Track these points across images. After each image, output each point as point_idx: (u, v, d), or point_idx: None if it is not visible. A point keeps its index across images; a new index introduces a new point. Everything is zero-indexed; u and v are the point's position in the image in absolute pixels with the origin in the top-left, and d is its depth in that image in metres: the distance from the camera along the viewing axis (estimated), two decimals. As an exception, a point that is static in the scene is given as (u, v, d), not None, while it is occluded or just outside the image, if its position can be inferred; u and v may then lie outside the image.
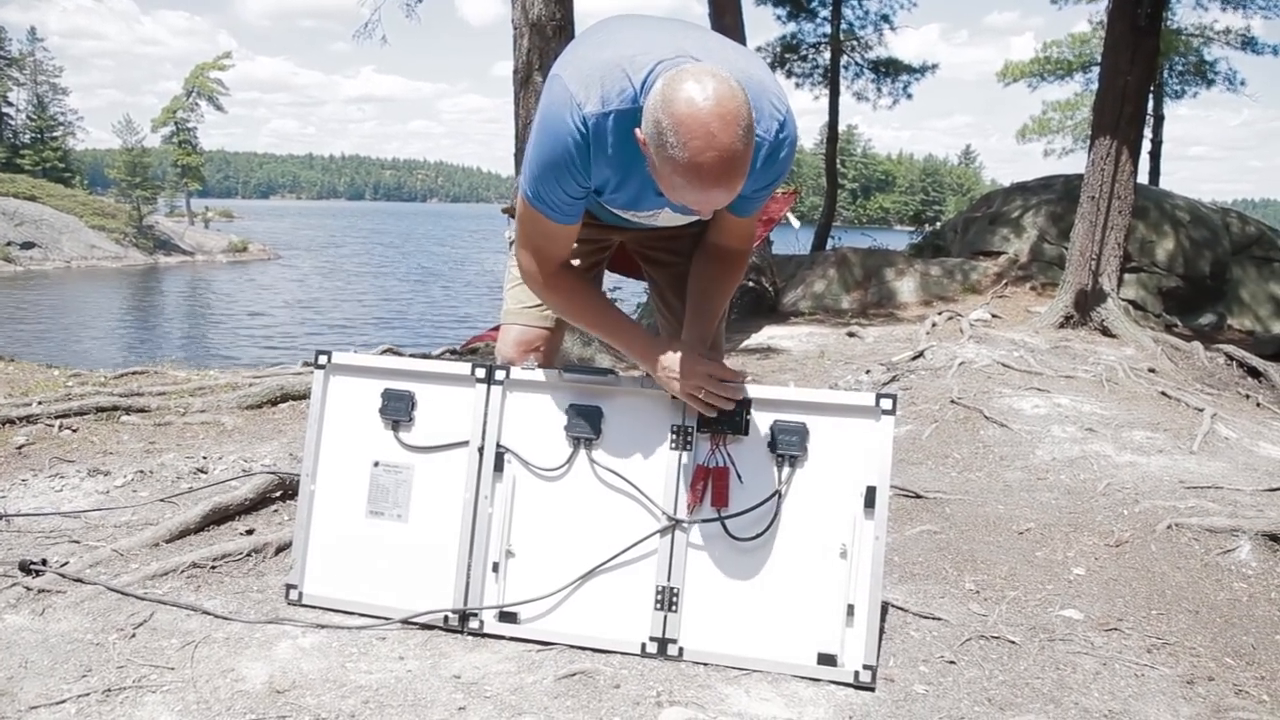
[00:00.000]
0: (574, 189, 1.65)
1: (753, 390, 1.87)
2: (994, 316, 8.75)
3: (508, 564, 1.95)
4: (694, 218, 1.84)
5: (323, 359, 2.09)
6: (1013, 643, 1.97)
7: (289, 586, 2.07)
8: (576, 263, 1.95)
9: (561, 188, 1.64)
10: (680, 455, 1.88)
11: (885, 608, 2.09)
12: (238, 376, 4.61)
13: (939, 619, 2.07)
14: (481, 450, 1.97)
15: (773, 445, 1.84)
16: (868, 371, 5.46)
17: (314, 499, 2.08)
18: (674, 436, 1.89)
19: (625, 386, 1.93)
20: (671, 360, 1.80)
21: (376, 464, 2.04)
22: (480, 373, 1.98)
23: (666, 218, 1.84)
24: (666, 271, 2.15)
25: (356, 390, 2.06)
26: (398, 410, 2.02)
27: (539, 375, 1.98)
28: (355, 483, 2.05)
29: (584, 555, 1.91)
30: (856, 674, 1.76)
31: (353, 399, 2.07)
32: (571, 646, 1.88)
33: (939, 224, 19.41)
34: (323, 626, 1.94)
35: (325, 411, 2.08)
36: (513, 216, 2.24)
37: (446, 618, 1.94)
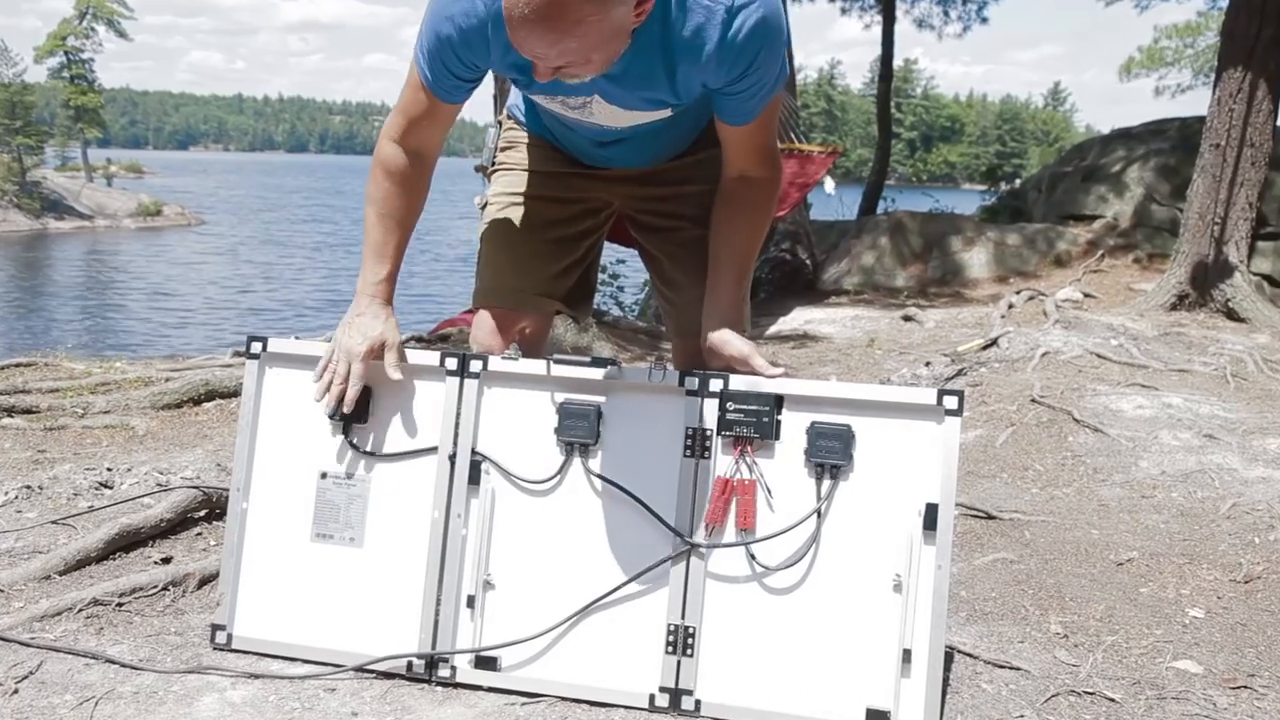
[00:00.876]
0: (460, 69, 1.80)
1: (785, 385, 1.86)
2: (1086, 296, 8.75)
3: (485, 598, 1.95)
4: (637, 118, 1.89)
5: (256, 347, 2.09)
6: (1111, 700, 1.96)
7: (215, 627, 2.06)
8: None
9: (446, 64, 1.79)
10: (696, 465, 1.88)
11: (951, 654, 2.09)
12: (151, 370, 4.62)
13: (1018, 669, 2.07)
14: (453, 458, 1.97)
15: (810, 453, 1.84)
16: (927, 364, 5.45)
17: (246, 519, 2.07)
18: (689, 442, 1.89)
19: (629, 380, 1.93)
20: (355, 336, 1.94)
21: (324, 476, 2.04)
22: (451, 363, 1.98)
23: (601, 110, 1.87)
24: (662, 240, 2.17)
25: (300, 384, 2.06)
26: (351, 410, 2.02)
27: (523, 366, 1.98)
28: (298, 499, 2.05)
29: (579, 587, 1.91)
30: None
31: (294, 396, 2.07)
32: (564, 699, 1.88)
33: (1018, 182, 19.36)
34: (257, 676, 1.94)
35: (260, 411, 2.08)
36: (488, 176, 2.27)
37: (410, 664, 1.94)
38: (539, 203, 2.13)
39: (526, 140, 2.18)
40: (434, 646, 1.94)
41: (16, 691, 1.87)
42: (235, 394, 4.18)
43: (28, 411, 3.87)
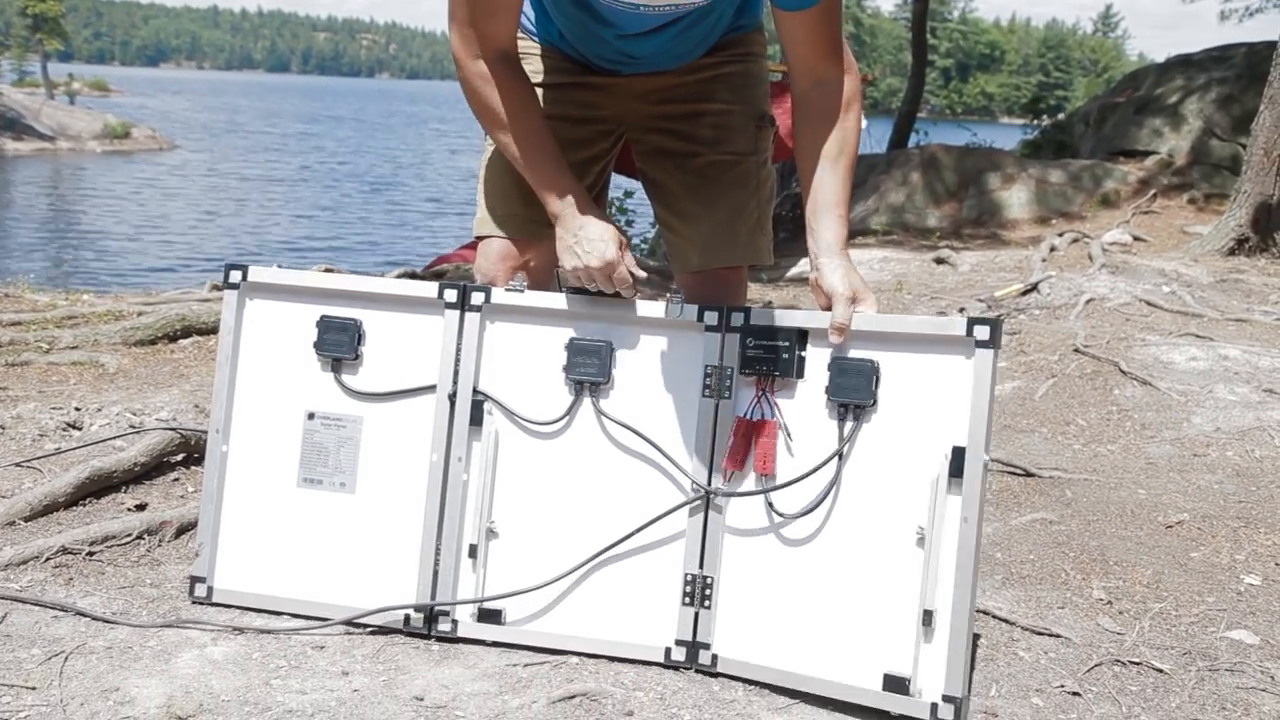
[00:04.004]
0: None
1: (805, 317, 1.84)
2: (1136, 239, 8.69)
3: (489, 547, 1.96)
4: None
5: (235, 276, 2.08)
6: (1159, 671, 1.96)
7: (194, 580, 2.07)
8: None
9: None
10: (716, 406, 1.87)
11: (985, 619, 2.09)
12: (122, 303, 4.61)
13: (1058, 636, 2.07)
14: (453, 397, 1.97)
15: (831, 390, 1.82)
16: (961, 309, 5.44)
17: (226, 463, 2.08)
18: (708, 380, 1.87)
19: (644, 315, 1.91)
20: (584, 256, 1.84)
21: (312, 416, 2.04)
22: (451, 294, 1.97)
23: None
24: (674, 166, 2.15)
25: (283, 317, 2.06)
26: (339, 344, 2.02)
27: (530, 299, 1.96)
28: (283, 442, 2.05)
29: (589, 536, 1.92)
30: (934, 707, 1.72)
31: (278, 329, 2.06)
32: (571, 653, 1.89)
33: (1063, 114, 19.17)
34: (240, 631, 1.95)
35: (241, 346, 2.08)
36: None
37: (407, 617, 1.95)
38: (549, 123, 2.10)
39: (537, 52, 2.14)
40: (433, 598, 1.95)
41: (-19, 644, 1.88)
42: (214, 330, 4.17)
43: (-11, 346, 3.87)
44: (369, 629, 1.97)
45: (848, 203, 1.90)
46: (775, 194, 2.25)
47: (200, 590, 2.06)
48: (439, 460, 1.96)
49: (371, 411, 2.01)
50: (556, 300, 1.95)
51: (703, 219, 2.10)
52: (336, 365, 2.02)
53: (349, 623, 1.97)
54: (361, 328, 2.01)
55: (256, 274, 2.07)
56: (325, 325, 2.02)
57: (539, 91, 2.08)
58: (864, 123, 1.90)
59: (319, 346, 2.03)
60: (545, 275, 2.15)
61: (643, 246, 11.13)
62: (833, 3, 1.83)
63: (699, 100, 2.09)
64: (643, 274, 1.89)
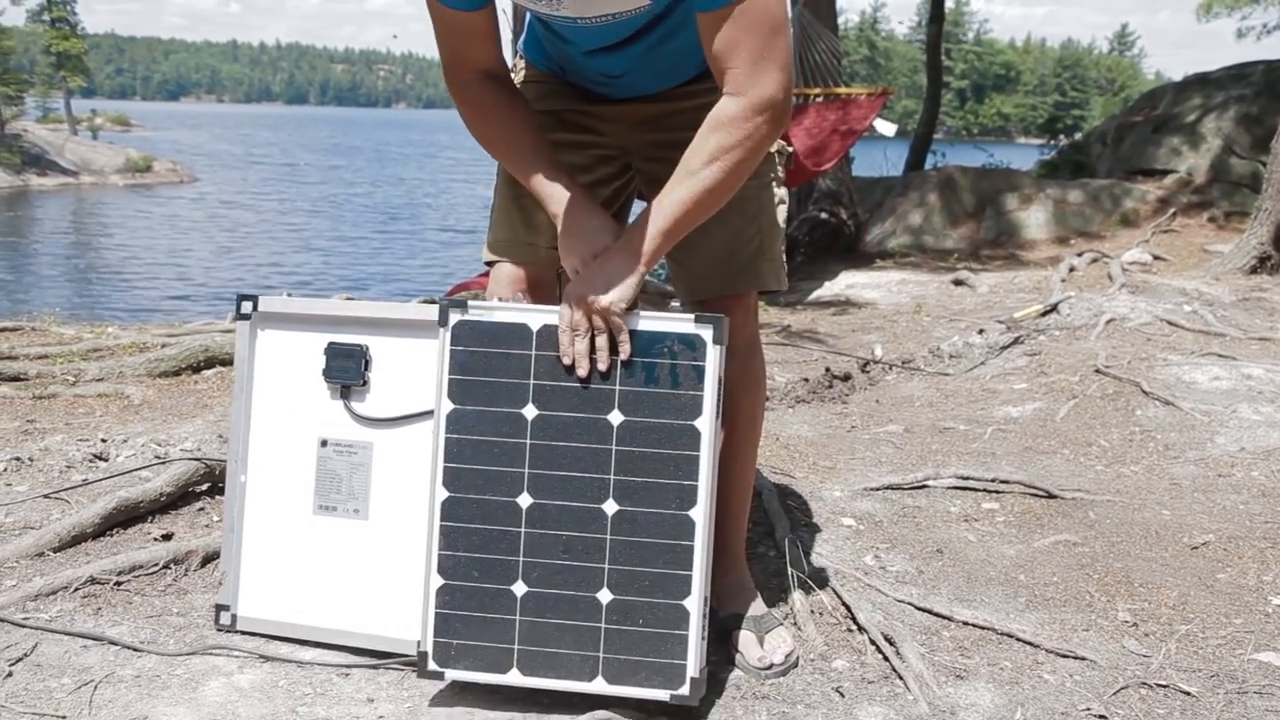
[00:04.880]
0: None
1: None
2: (1156, 258, 8.66)
3: None
4: (611, 5, 1.80)
5: (246, 307, 2.10)
6: (1187, 694, 1.95)
7: (219, 608, 2.09)
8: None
9: None
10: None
11: (1008, 641, 2.09)
12: (146, 335, 4.66)
13: (1083, 659, 2.06)
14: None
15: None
16: (980, 331, 5.42)
17: (246, 492, 2.10)
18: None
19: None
20: (579, 248, 1.85)
21: (324, 443, 2.05)
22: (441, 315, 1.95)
23: (570, 4, 1.82)
24: None
25: (294, 346, 2.07)
26: (346, 371, 2.03)
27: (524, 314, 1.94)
28: (299, 470, 2.07)
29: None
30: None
31: (291, 358, 2.08)
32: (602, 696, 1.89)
33: (1080, 134, 19.14)
34: (266, 659, 1.97)
35: (255, 375, 2.10)
36: None
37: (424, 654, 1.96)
38: (553, 146, 2.12)
39: (540, 79, 2.16)
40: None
41: (10, 674, 1.90)
42: (236, 361, 4.22)
43: (15, 379, 3.91)
44: (393, 662, 1.98)
45: (673, 215, 1.80)
46: (786, 218, 2.23)
47: (225, 618, 2.08)
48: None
49: (381, 437, 2.03)
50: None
51: (700, 246, 2.06)
52: (345, 392, 2.04)
53: (373, 666, 1.98)
54: (368, 353, 2.03)
55: (266, 304, 2.09)
56: (333, 352, 2.04)
57: (540, 118, 2.11)
58: (740, 152, 1.71)
59: (327, 374, 2.04)
60: (546, 298, 2.16)
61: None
62: (722, 15, 1.73)
63: (692, 127, 2.07)
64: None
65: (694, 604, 1.77)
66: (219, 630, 2.08)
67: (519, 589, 1.83)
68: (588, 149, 2.11)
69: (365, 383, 2.03)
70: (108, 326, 5.05)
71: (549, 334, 1.81)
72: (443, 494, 1.85)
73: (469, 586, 1.84)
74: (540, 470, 1.82)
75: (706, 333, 1.78)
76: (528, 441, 1.82)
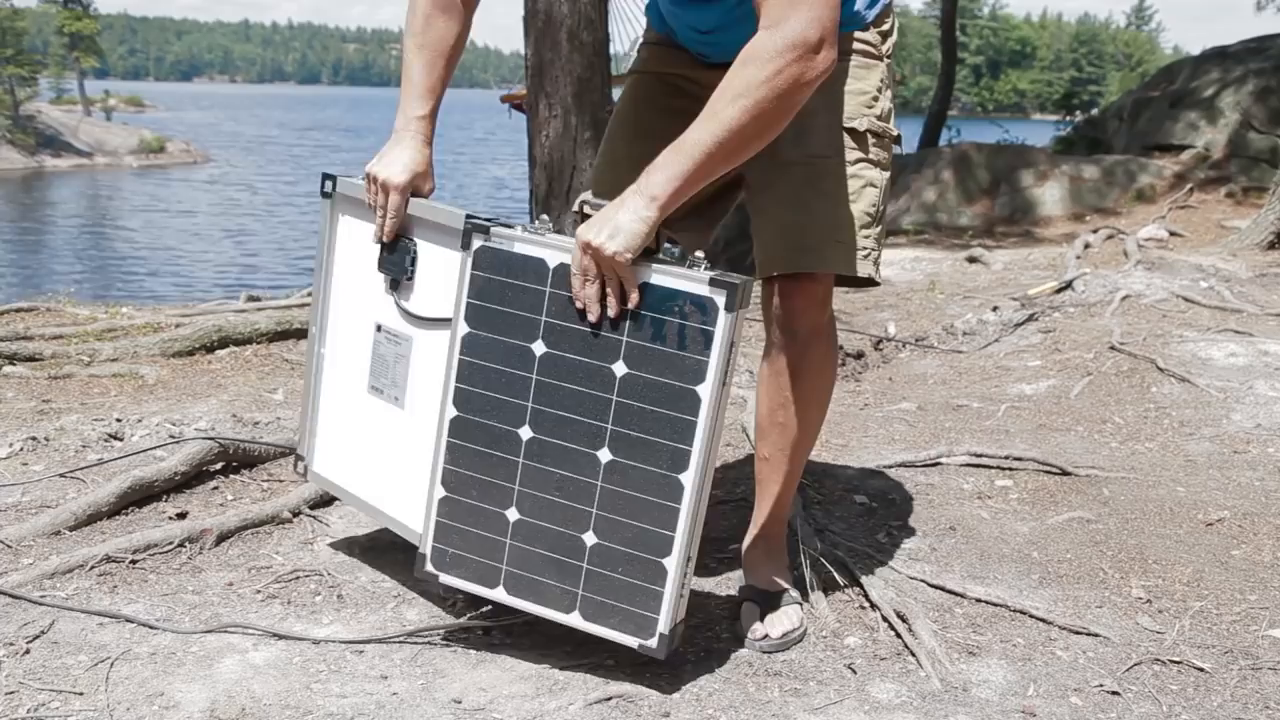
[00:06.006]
0: None
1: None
2: (1172, 234, 8.61)
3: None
4: None
5: (328, 185, 2.17)
6: (1200, 670, 1.95)
7: (297, 457, 2.28)
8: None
9: None
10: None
11: (1021, 618, 2.08)
12: (160, 315, 4.68)
13: (1096, 635, 2.06)
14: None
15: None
16: (995, 309, 5.40)
17: (323, 364, 2.23)
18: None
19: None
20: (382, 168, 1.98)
21: (379, 328, 2.12)
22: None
23: None
24: (753, 163, 2.05)
25: (365, 233, 2.12)
26: (396, 264, 2.06)
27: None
28: (359, 349, 2.16)
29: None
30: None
31: (360, 243, 2.13)
32: (603, 665, 1.90)
33: (1096, 110, 19.00)
34: (280, 637, 1.98)
35: (334, 257, 2.19)
36: (515, 107, 2.27)
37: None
38: (650, 110, 2.13)
39: (654, 39, 2.17)
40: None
41: (28, 651, 1.91)
42: (250, 341, 4.23)
43: (31, 359, 3.93)
44: (405, 641, 1.99)
45: (691, 157, 1.69)
46: (881, 205, 2.05)
47: (300, 467, 2.29)
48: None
49: (418, 334, 2.05)
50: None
51: (769, 217, 2.01)
52: (395, 285, 2.07)
53: (383, 641, 1.99)
54: (416, 251, 2.04)
55: (345, 185, 2.14)
56: (387, 244, 2.06)
57: (657, 85, 2.12)
58: (769, 88, 1.64)
59: (380, 264, 2.07)
60: None
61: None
62: None
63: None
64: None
65: (673, 563, 1.78)
66: (297, 475, 2.34)
67: (512, 514, 1.88)
68: (682, 115, 2.02)
69: (411, 278, 2.05)
70: (122, 307, 5.07)
71: (564, 272, 1.78)
72: (452, 412, 1.89)
73: (467, 503, 1.90)
74: (543, 407, 1.83)
75: (720, 298, 1.70)
76: (534, 377, 1.83)
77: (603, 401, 1.79)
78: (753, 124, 1.68)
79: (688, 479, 1.76)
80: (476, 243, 1.85)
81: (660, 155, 1.72)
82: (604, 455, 1.80)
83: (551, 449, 1.84)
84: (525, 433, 1.85)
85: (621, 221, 1.70)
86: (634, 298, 1.74)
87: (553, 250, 1.80)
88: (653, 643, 1.80)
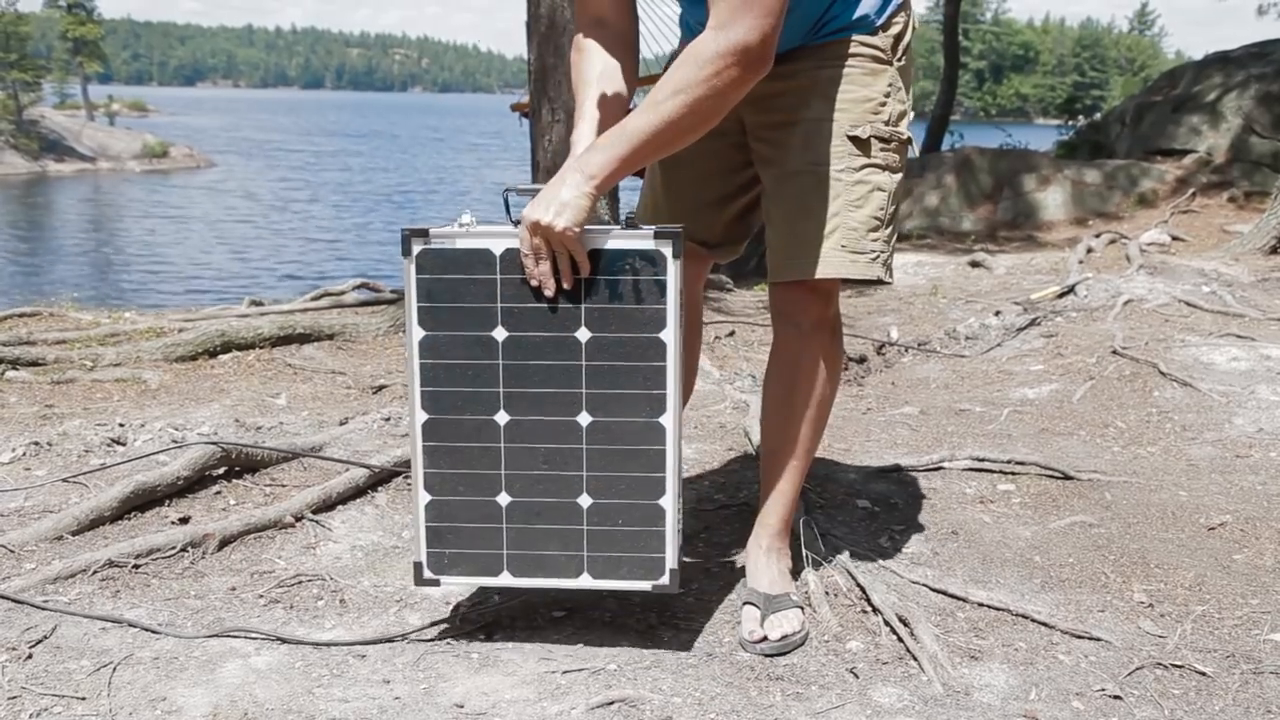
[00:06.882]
0: None
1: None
2: (1175, 239, 8.60)
3: None
4: None
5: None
6: (1202, 674, 1.95)
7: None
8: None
9: None
10: None
11: (1023, 622, 2.08)
12: (163, 320, 4.68)
13: (1098, 639, 2.06)
14: None
15: None
16: (997, 313, 5.40)
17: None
18: None
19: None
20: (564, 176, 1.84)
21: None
22: None
23: None
24: (765, 170, 2.12)
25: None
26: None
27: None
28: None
29: None
30: None
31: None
32: (605, 668, 1.90)
33: (1099, 114, 19.00)
34: (283, 641, 1.98)
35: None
36: (525, 116, 2.29)
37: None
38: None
39: (684, 47, 2.18)
40: None
41: (30, 656, 1.91)
42: (253, 346, 4.23)
43: (33, 364, 3.94)
44: (404, 642, 1.99)
45: (629, 141, 1.79)
46: (890, 209, 2.08)
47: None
48: None
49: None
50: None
51: (776, 220, 2.06)
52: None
53: (387, 640, 2.00)
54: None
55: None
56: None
57: None
58: (701, 86, 1.75)
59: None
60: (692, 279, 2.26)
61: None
62: None
63: (794, 110, 2.04)
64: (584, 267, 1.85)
65: (668, 502, 1.88)
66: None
67: (503, 499, 1.92)
68: (723, 136, 2.07)
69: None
70: (125, 312, 5.08)
71: (512, 257, 1.84)
72: (422, 416, 1.91)
73: (456, 500, 1.93)
74: (514, 389, 1.88)
75: (666, 248, 1.82)
76: (500, 362, 1.87)
77: (573, 369, 1.86)
78: (688, 119, 1.78)
79: (668, 420, 1.85)
80: (417, 247, 1.86)
81: (602, 136, 1.85)
82: (584, 419, 1.87)
83: (530, 427, 1.89)
84: (501, 418, 1.89)
85: (566, 198, 1.78)
86: (585, 268, 1.82)
87: (496, 239, 1.85)
88: (665, 579, 1.90)
